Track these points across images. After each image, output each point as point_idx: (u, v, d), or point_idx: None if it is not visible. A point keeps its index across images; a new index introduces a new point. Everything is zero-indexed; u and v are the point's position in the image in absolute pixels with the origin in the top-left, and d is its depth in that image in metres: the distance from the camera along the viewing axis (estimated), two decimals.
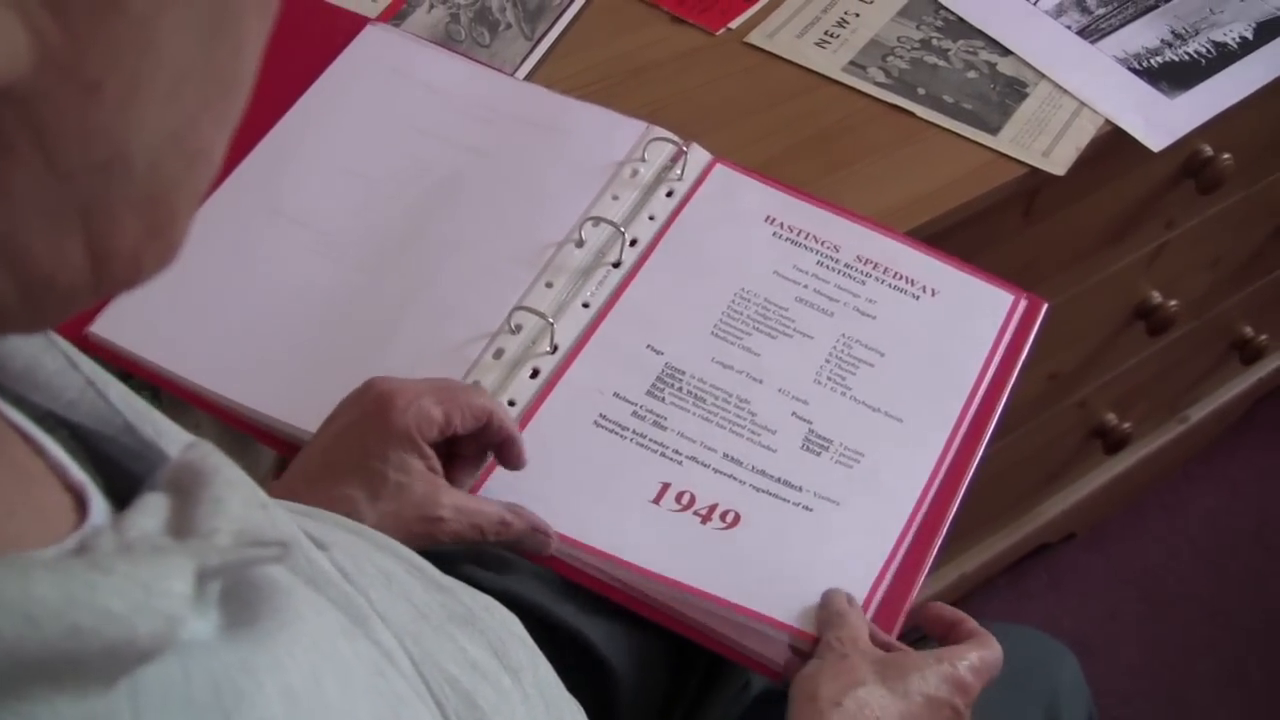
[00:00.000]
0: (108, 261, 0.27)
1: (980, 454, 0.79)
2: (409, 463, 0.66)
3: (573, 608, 0.72)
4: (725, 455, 0.77)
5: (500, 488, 0.74)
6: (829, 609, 0.70)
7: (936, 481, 0.77)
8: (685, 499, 0.75)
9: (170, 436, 0.36)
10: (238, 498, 0.30)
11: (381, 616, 0.39)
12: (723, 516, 0.74)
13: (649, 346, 0.81)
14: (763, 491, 0.75)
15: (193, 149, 0.28)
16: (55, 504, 0.30)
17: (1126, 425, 1.48)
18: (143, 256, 0.28)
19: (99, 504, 0.31)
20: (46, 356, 0.34)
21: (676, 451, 0.77)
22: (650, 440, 0.77)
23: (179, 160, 0.27)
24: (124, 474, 0.35)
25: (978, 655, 0.67)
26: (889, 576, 0.74)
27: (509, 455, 0.72)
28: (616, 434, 0.77)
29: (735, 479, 0.76)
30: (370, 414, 0.67)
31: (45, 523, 0.29)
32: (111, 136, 0.25)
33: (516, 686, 0.44)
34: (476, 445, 0.71)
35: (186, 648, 0.28)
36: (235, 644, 0.30)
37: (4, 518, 0.28)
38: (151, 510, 0.29)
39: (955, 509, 0.77)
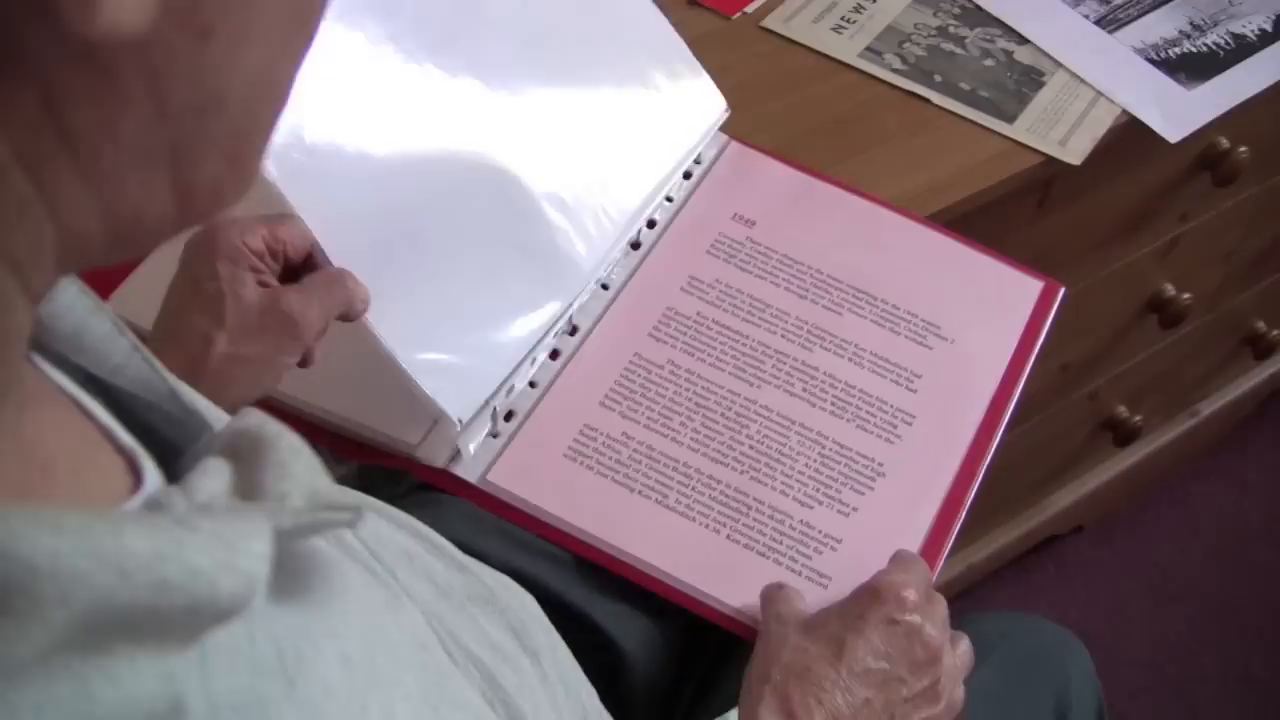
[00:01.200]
0: (191, 196, 0.27)
1: (999, 435, 0.80)
2: (238, 273, 0.64)
3: (582, 591, 0.72)
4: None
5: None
6: (762, 595, 0.69)
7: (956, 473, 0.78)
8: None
9: (205, 407, 0.36)
10: (302, 463, 0.30)
11: (408, 593, 0.39)
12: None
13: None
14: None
15: (275, 84, 0.28)
16: (112, 466, 0.30)
17: (1137, 418, 1.47)
18: (224, 189, 0.28)
19: (151, 469, 0.31)
20: (94, 320, 0.34)
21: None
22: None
23: (264, 96, 0.28)
24: (161, 442, 0.35)
25: (894, 568, 0.66)
26: None
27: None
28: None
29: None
30: (198, 241, 0.65)
31: (106, 484, 0.30)
32: (215, 79, 0.26)
33: (536, 668, 0.44)
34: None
35: (248, 612, 0.29)
36: (293, 611, 0.30)
37: (70, 477, 0.28)
38: (214, 473, 0.29)
39: (974, 491, 0.77)
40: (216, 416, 0.36)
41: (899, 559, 0.69)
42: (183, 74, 0.25)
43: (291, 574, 0.32)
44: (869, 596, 0.64)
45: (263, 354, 0.64)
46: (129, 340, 0.35)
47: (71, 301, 0.34)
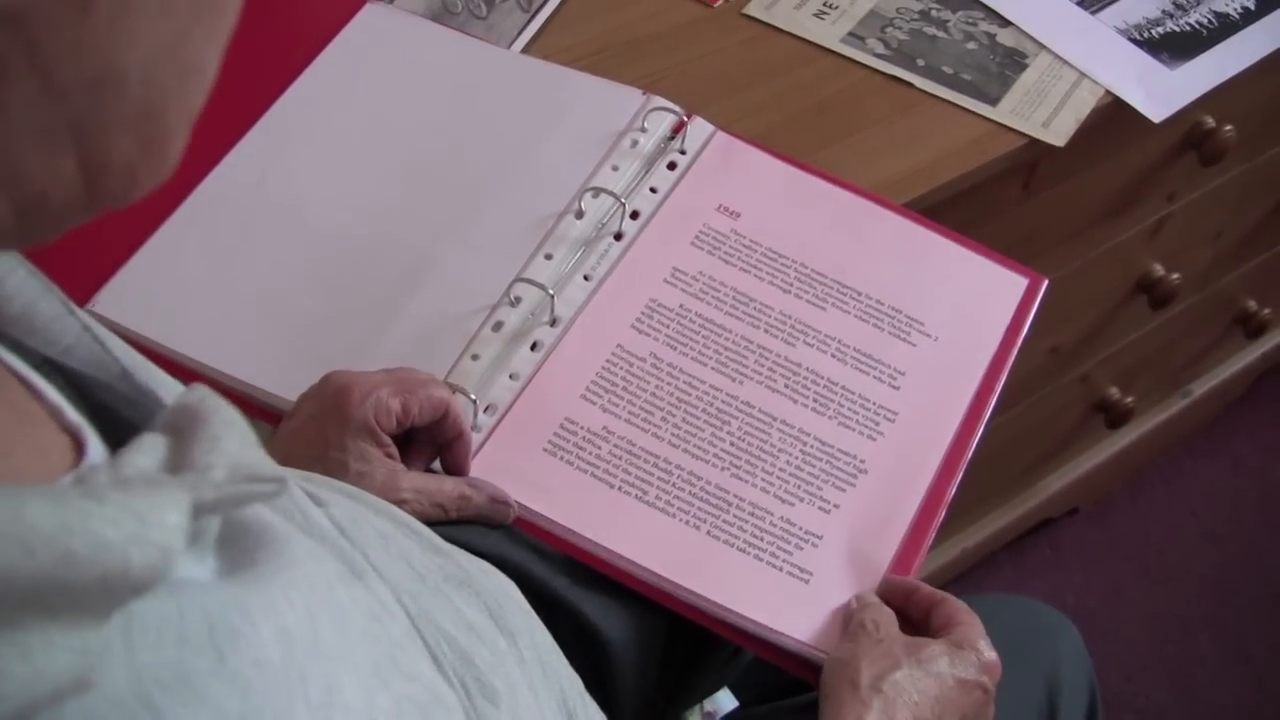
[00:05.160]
0: (101, 178, 0.27)
1: (980, 432, 0.80)
2: (368, 451, 0.67)
3: (566, 579, 0.72)
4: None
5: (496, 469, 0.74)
6: (863, 596, 0.71)
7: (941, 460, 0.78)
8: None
9: (167, 387, 0.36)
10: (235, 436, 0.30)
11: (378, 572, 0.39)
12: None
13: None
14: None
15: (185, 64, 0.28)
16: (52, 444, 0.30)
17: (1129, 399, 1.48)
18: (137, 172, 0.28)
19: (96, 445, 0.31)
20: (43, 302, 0.34)
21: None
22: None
23: (171, 76, 0.28)
24: (119, 421, 0.35)
25: (982, 630, 0.68)
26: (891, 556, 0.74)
27: (456, 453, 0.73)
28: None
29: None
30: (329, 407, 0.68)
31: (42, 461, 0.30)
32: (104, 53, 0.25)
33: (512, 648, 0.44)
34: (430, 436, 0.72)
35: (182, 587, 0.29)
36: (231, 585, 0.30)
37: (0, 454, 0.28)
38: (148, 449, 0.29)
39: (954, 487, 0.77)
40: (171, 394, 0.36)
41: (960, 607, 0.70)
42: (65, 48, 0.25)
43: (237, 548, 0.32)
44: (972, 654, 0.67)
45: None
46: (79, 320, 0.35)
47: (20, 284, 0.34)
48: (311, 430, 0.67)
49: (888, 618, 0.69)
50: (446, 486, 0.70)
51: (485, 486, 0.72)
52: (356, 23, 0.95)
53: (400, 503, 0.66)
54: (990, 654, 0.67)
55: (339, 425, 0.67)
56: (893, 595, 0.72)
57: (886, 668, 0.65)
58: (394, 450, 0.68)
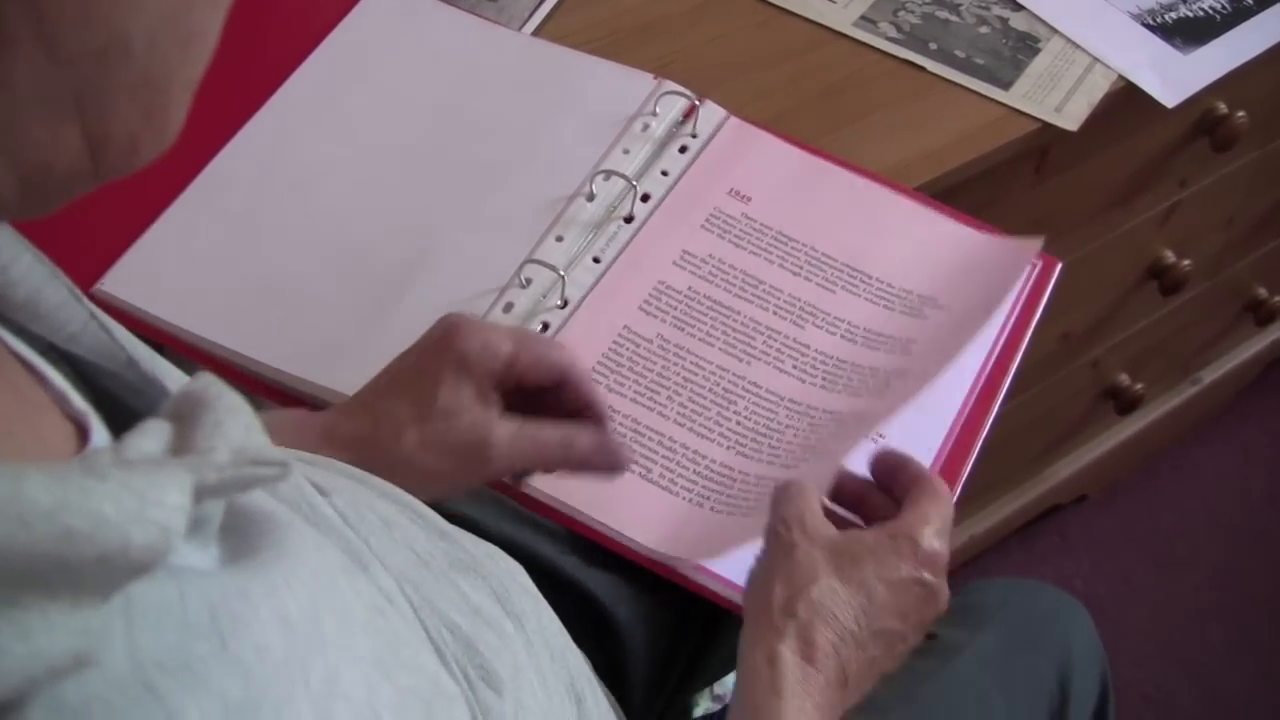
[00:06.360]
0: (104, 147, 0.27)
1: (995, 411, 0.79)
2: (460, 388, 0.64)
3: (576, 561, 0.72)
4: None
5: None
6: (779, 491, 0.63)
7: (951, 442, 0.77)
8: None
9: (172, 377, 0.36)
10: (239, 422, 0.30)
11: (381, 561, 0.38)
12: None
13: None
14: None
15: (187, 32, 0.28)
16: (56, 430, 0.30)
17: (1139, 386, 1.47)
18: (139, 141, 0.28)
19: (100, 432, 0.31)
20: (49, 289, 0.34)
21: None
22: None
23: (175, 44, 0.28)
24: (124, 409, 0.35)
25: (936, 515, 0.61)
26: None
27: (595, 421, 0.68)
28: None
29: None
30: (435, 338, 0.66)
31: (45, 446, 0.29)
32: (109, 22, 0.25)
33: (519, 632, 0.44)
34: (561, 408, 0.67)
35: (184, 573, 0.28)
36: (234, 573, 0.30)
37: (1, 437, 0.28)
38: (152, 434, 0.29)
39: (971, 461, 0.77)
40: (176, 384, 0.36)
41: (928, 488, 0.62)
42: (72, 16, 0.25)
43: (239, 536, 0.32)
44: (907, 546, 0.59)
45: (440, 470, 0.64)
46: (85, 308, 0.35)
47: (26, 270, 0.34)
48: (411, 358, 0.66)
49: (799, 510, 0.60)
50: (546, 431, 0.66)
51: (595, 434, 0.67)
52: (367, 2, 0.95)
53: (487, 447, 0.64)
54: (931, 544, 0.59)
55: (438, 356, 0.65)
56: (880, 471, 0.65)
57: (803, 584, 0.58)
58: (493, 396, 0.65)
